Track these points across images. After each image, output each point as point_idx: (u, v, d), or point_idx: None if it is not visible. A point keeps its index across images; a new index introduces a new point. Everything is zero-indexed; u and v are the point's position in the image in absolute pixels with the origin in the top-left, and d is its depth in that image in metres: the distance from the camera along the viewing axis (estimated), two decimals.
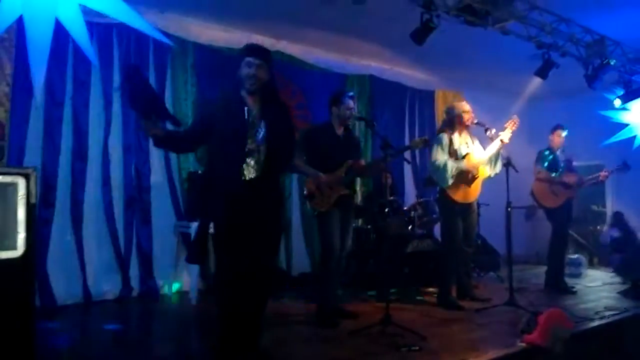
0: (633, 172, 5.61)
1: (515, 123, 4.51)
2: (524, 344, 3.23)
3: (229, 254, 2.76)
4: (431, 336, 3.40)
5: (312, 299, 4.33)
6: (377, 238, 5.73)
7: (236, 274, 2.73)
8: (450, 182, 4.43)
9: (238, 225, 2.75)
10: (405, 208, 5.99)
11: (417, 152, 7.29)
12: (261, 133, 2.81)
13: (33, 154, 4.45)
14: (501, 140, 4.44)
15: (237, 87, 2.87)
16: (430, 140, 4.42)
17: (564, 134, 5.46)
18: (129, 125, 5.01)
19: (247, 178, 2.76)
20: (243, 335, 2.78)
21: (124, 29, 4.91)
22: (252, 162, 2.78)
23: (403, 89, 7.39)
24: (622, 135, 7.09)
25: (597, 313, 4.14)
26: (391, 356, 2.99)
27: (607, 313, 4.15)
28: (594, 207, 8.43)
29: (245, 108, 2.81)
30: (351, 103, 4.05)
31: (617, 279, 5.81)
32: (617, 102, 6.63)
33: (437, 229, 6.49)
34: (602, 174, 5.46)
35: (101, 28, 4.81)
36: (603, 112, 7.08)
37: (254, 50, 2.91)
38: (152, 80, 5.18)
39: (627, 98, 6.48)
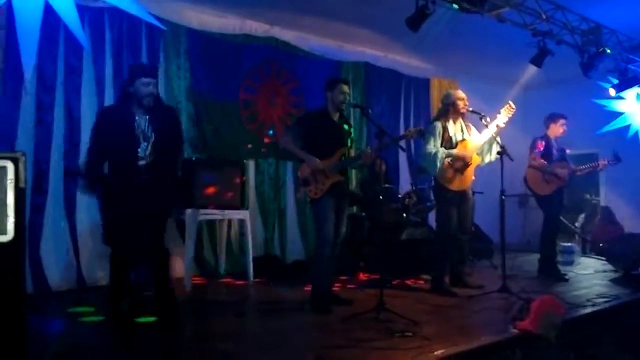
0: (626, 160, 5.61)
1: (511, 109, 4.47)
2: (516, 331, 3.25)
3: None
4: (424, 323, 3.42)
5: (306, 286, 4.34)
6: (371, 226, 5.75)
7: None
8: (438, 170, 4.42)
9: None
10: (400, 196, 6.00)
11: (412, 140, 7.28)
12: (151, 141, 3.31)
13: (25, 140, 4.40)
14: (497, 125, 4.42)
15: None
16: (425, 130, 4.41)
17: (565, 122, 5.45)
18: None
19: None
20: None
21: (116, 13, 4.85)
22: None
23: (399, 76, 7.36)
24: (616, 124, 7.09)
25: (589, 300, 4.17)
26: (385, 342, 3.00)
27: (599, 300, 4.17)
28: (588, 197, 8.46)
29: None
30: (346, 88, 4.02)
31: (610, 267, 5.84)
32: (612, 91, 6.63)
33: (431, 217, 6.51)
34: (601, 162, 5.45)
35: (93, 12, 4.75)
36: (598, 101, 7.08)
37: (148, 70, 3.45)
38: None
39: (622, 87, 6.47)
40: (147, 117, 3.34)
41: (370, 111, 4.55)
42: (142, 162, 3.29)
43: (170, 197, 3.48)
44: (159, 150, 3.33)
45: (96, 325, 3.48)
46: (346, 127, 4.11)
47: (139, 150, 3.29)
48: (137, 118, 3.32)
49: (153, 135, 3.33)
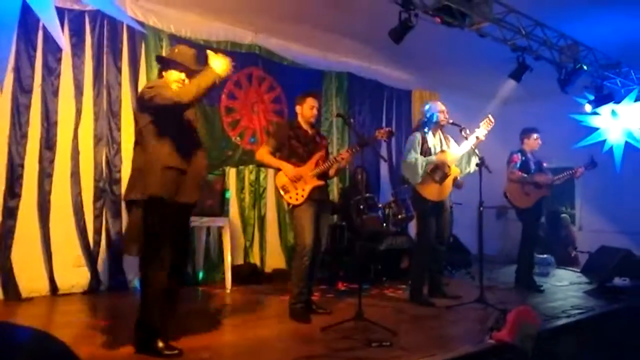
0: (601, 174, 5.72)
1: (490, 122, 4.55)
2: (492, 341, 3.27)
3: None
4: (402, 332, 3.42)
5: (285, 295, 4.31)
6: (351, 235, 5.75)
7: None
8: (421, 178, 4.46)
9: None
10: (380, 205, 6.02)
11: (393, 149, 7.34)
12: None
13: None
14: (477, 137, 4.48)
15: None
16: (400, 134, 4.44)
17: (538, 136, 5.56)
18: (101, 115, 4.89)
19: None
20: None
21: (96, 16, 4.79)
22: None
23: (381, 87, 7.42)
24: (592, 139, 7.26)
25: (564, 311, 4.23)
26: (363, 352, 2.99)
27: (574, 312, 4.24)
28: (563, 209, 8.61)
29: None
30: (314, 102, 4.04)
31: (584, 279, 5.94)
32: (588, 107, 6.79)
33: (411, 227, 6.55)
34: (578, 169, 5.55)
35: (73, 14, 4.68)
36: (574, 116, 7.24)
37: None
38: (125, 70, 5.08)
39: (597, 103, 6.63)
40: None
41: (352, 120, 4.57)
42: None
43: None
44: None
45: (69, 332, 3.38)
46: (320, 138, 4.13)
47: None
48: None
49: None
